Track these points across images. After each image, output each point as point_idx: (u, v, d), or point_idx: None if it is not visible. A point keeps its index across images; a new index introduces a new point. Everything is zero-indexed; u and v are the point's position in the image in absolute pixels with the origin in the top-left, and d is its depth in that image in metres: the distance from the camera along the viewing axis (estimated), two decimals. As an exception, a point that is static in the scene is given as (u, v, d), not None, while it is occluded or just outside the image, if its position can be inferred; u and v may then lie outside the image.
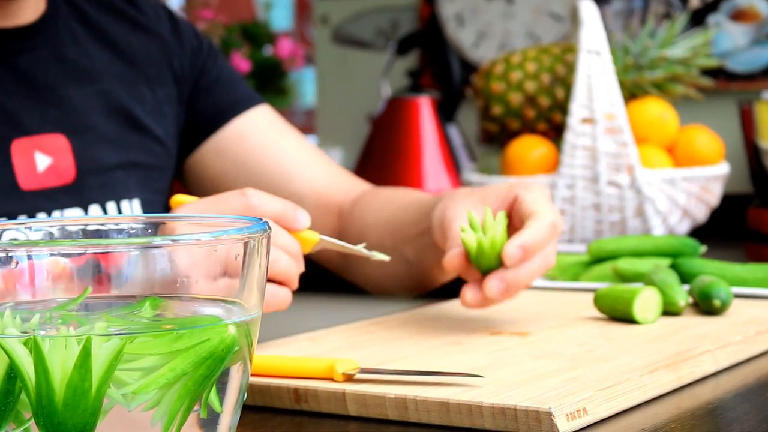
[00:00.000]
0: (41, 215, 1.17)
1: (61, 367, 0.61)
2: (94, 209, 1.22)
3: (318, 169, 1.35)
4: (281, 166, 1.33)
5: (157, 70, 1.30)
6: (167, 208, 1.32)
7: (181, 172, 1.36)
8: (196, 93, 1.33)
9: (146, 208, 1.27)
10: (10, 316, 0.63)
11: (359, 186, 1.37)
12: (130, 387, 0.62)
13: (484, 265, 1.00)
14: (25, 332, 0.62)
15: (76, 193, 1.20)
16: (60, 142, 1.20)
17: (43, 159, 1.18)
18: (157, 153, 1.29)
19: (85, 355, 0.60)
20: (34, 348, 0.61)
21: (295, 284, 0.98)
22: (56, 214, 1.18)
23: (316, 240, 1.00)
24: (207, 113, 1.33)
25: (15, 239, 0.71)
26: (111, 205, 1.23)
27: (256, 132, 1.34)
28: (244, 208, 0.96)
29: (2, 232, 0.71)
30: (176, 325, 0.66)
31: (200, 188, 1.35)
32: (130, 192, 1.25)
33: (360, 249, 1.01)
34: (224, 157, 1.33)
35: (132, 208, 1.25)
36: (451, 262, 1.01)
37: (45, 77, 1.22)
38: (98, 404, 0.61)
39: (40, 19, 1.23)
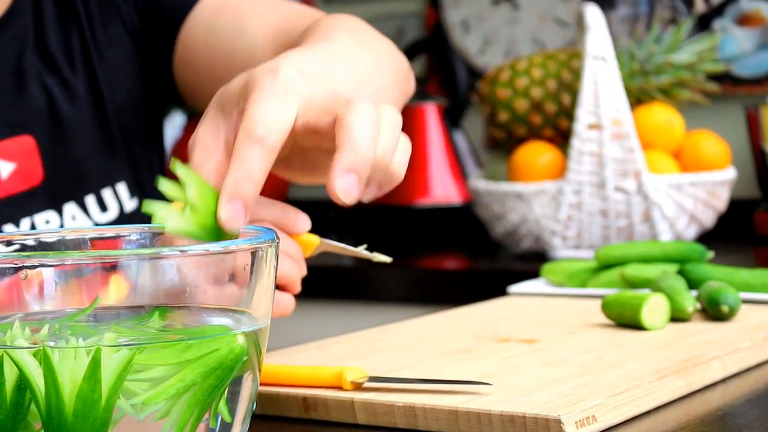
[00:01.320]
0: (8, 226, 1.13)
1: (70, 378, 0.61)
2: (70, 207, 1.17)
3: (258, 30, 1.18)
4: (222, 50, 1.19)
5: (108, 32, 1.23)
6: (153, 178, 1.28)
7: (183, 102, 1.28)
8: (149, 28, 1.24)
9: (135, 188, 1.22)
10: (20, 327, 0.63)
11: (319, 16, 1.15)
12: (140, 397, 0.62)
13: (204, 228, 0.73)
14: (34, 343, 0.62)
15: (45, 194, 1.16)
16: (25, 143, 1.16)
17: (5, 166, 1.14)
18: (130, 122, 1.23)
19: (95, 365, 0.60)
20: (44, 359, 0.61)
21: (298, 288, 0.98)
22: (24, 221, 1.15)
23: (316, 243, 0.99)
24: (161, 38, 1.24)
25: (23, 251, 0.71)
26: (90, 198, 1.19)
27: (195, 32, 1.22)
28: None
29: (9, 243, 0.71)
30: (185, 335, 0.66)
31: (201, 103, 1.24)
32: (113, 177, 1.20)
33: (361, 250, 1.01)
34: (187, 72, 1.23)
35: (117, 193, 1.20)
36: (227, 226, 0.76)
37: (6, 79, 1.17)
38: (108, 415, 0.61)
39: (5, 14, 1.18)
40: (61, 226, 1.16)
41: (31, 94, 1.17)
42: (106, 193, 1.20)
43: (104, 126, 1.21)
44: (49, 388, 0.61)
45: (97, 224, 1.18)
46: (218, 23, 1.20)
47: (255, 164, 0.73)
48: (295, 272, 0.97)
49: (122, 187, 1.21)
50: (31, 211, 1.15)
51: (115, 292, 0.66)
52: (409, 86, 1.11)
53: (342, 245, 1.01)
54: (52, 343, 0.62)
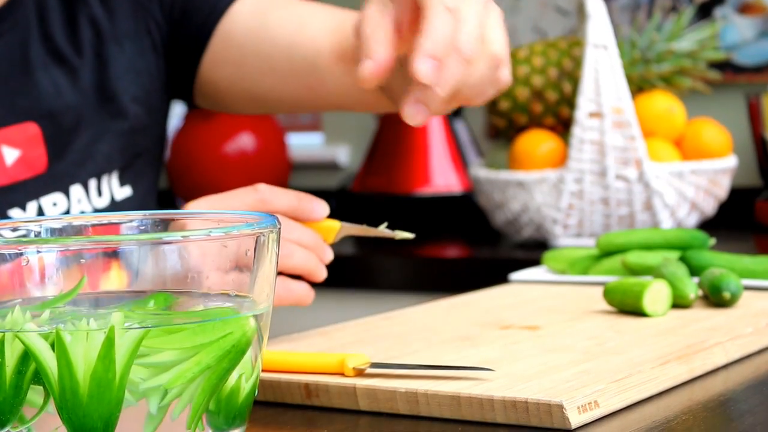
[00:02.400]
0: (14, 210, 1.14)
1: (84, 358, 0.61)
2: (75, 189, 1.17)
3: (319, 26, 1.22)
4: (280, 44, 1.22)
5: (126, 26, 1.23)
6: (152, 169, 1.28)
7: (193, 99, 1.29)
8: (175, 28, 1.26)
9: (129, 176, 1.22)
10: (20, 311, 0.63)
11: None
12: (157, 380, 0.62)
13: None
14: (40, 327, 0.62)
15: (49, 182, 1.16)
16: (30, 130, 1.15)
17: (10, 152, 1.14)
18: (142, 114, 1.23)
19: (109, 345, 0.60)
20: (57, 341, 0.61)
21: (319, 276, 0.97)
22: (31, 204, 1.15)
23: (337, 227, 0.99)
24: (191, 36, 1.25)
25: (25, 236, 0.71)
26: (91, 183, 1.18)
27: (240, 27, 1.24)
28: (256, 203, 0.95)
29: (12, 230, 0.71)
30: (201, 317, 0.66)
31: (220, 104, 1.29)
32: (113, 163, 1.20)
33: (382, 230, 1.00)
34: (223, 67, 1.25)
35: (112, 180, 1.20)
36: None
37: (12, 65, 1.17)
38: (121, 394, 0.61)
39: (7, 3, 1.17)
40: (68, 210, 1.17)
41: (37, 82, 1.17)
42: (104, 180, 1.20)
43: (111, 115, 1.21)
44: (63, 370, 0.61)
45: (96, 210, 1.19)
46: (271, 18, 1.24)
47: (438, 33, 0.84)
48: (312, 261, 0.96)
49: (116, 174, 1.21)
50: (35, 196, 1.15)
51: (117, 277, 0.66)
52: None
53: (363, 227, 1.00)
54: (62, 326, 0.62)
